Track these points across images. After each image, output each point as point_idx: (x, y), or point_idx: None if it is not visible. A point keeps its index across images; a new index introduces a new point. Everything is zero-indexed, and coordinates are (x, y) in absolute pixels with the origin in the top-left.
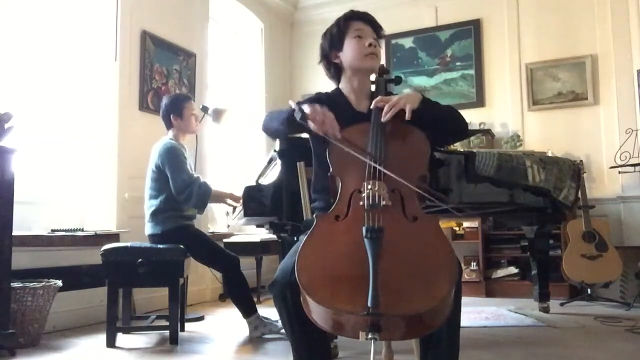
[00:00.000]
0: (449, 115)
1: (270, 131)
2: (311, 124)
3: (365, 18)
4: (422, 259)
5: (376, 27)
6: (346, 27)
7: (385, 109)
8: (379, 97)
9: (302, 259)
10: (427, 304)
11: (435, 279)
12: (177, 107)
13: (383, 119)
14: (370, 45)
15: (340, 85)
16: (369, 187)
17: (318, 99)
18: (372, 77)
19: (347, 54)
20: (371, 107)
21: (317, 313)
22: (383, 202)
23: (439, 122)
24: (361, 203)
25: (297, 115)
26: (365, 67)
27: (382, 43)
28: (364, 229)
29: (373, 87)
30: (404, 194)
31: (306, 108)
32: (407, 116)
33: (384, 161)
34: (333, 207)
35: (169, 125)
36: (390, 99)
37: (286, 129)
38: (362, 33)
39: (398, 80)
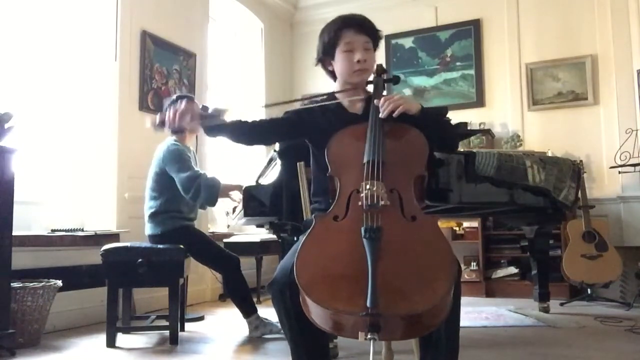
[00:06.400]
0: (443, 131)
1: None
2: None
3: (356, 25)
4: (421, 259)
5: (369, 31)
6: (337, 38)
7: (382, 101)
8: (382, 98)
9: (301, 259)
10: (426, 303)
11: (433, 279)
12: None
13: (381, 115)
14: (358, 61)
15: (335, 88)
16: (367, 187)
17: (311, 110)
18: (370, 77)
19: (338, 66)
20: (374, 102)
21: (316, 313)
22: (382, 202)
23: (430, 135)
24: (360, 203)
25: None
26: (354, 82)
27: (381, 42)
28: (362, 229)
29: (370, 87)
30: (403, 194)
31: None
32: (395, 114)
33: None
34: (332, 207)
35: None
36: (392, 97)
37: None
38: (352, 46)
39: (396, 80)
